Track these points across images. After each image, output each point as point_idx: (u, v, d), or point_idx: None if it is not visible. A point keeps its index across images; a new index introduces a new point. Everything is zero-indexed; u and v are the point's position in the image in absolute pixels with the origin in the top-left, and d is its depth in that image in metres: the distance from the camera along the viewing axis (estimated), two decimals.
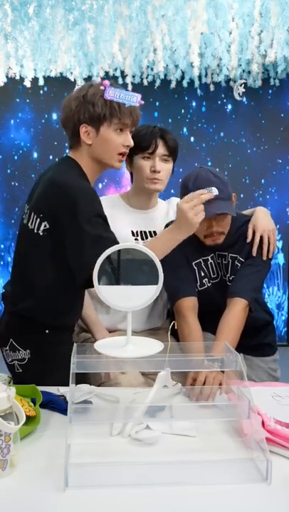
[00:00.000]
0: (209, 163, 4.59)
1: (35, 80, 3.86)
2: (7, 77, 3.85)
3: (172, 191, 1.94)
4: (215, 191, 1.57)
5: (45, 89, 4.34)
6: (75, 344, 1.28)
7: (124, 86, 3.46)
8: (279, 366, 2.03)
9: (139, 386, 1.63)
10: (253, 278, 1.78)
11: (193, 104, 4.67)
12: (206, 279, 1.84)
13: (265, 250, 1.78)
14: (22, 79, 3.85)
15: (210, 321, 1.73)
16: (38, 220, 1.54)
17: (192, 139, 4.66)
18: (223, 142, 4.70)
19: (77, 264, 1.45)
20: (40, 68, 3.87)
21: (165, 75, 4.23)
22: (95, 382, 1.65)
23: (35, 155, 4.58)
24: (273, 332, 2.05)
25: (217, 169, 1.74)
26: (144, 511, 0.93)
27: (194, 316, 1.75)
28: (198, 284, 1.83)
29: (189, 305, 1.76)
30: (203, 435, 1.21)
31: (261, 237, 1.78)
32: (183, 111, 4.67)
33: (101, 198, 1.59)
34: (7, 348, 1.61)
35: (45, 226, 1.53)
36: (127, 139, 1.59)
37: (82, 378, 1.48)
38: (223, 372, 1.44)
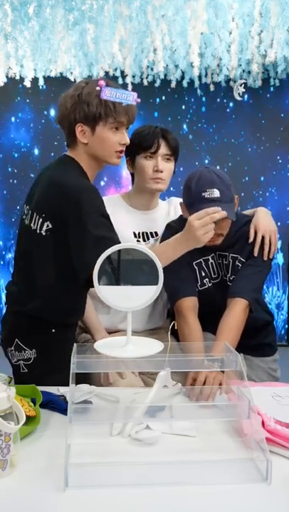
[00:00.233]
0: (208, 162, 4.59)
1: (35, 79, 3.86)
2: (7, 77, 3.85)
3: (172, 189, 1.94)
4: (216, 193, 1.57)
5: (45, 88, 4.34)
6: (75, 344, 1.28)
7: (124, 86, 3.48)
8: (279, 366, 2.03)
9: None
10: (254, 278, 1.78)
11: (193, 104, 4.67)
12: (207, 279, 1.84)
13: (266, 251, 1.78)
14: (22, 79, 3.85)
15: (210, 321, 1.73)
16: (41, 220, 1.54)
17: (192, 138, 4.65)
18: (223, 142, 4.70)
19: (79, 264, 1.46)
20: (40, 68, 3.87)
21: (165, 75, 4.23)
22: (95, 383, 1.65)
23: (35, 155, 4.58)
24: (273, 332, 2.05)
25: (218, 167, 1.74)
26: (144, 511, 0.93)
27: (194, 316, 1.75)
28: (199, 284, 1.83)
29: (189, 305, 1.76)
30: (203, 435, 1.21)
31: (262, 238, 1.78)
32: (183, 111, 4.67)
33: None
34: (12, 348, 1.61)
35: (47, 226, 1.53)
36: (123, 138, 1.59)
37: (83, 378, 1.48)
38: (223, 372, 1.44)
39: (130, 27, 3.05)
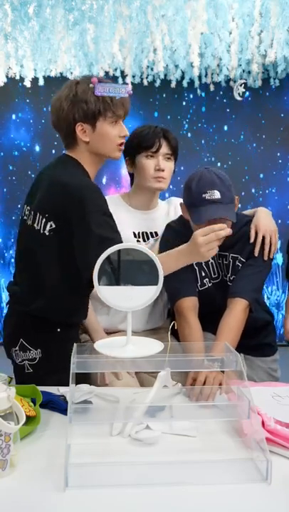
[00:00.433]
0: (208, 162, 4.59)
1: (35, 79, 3.86)
2: (7, 77, 3.85)
3: (171, 187, 1.96)
4: (217, 195, 1.57)
5: (45, 88, 4.34)
6: (75, 344, 1.28)
7: None
8: (279, 366, 2.03)
9: None
10: (254, 278, 1.78)
11: (193, 104, 4.67)
12: (207, 279, 1.84)
13: (266, 251, 1.78)
14: (22, 79, 3.86)
15: (210, 321, 1.73)
16: (44, 220, 1.54)
17: (192, 138, 4.65)
18: (223, 142, 4.70)
19: (82, 263, 1.46)
20: (40, 68, 3.87)
21: (165, 75, 4.23)
22: (95, 383, 1.65)
23: (35, 155, 4.58)
24: (273, 332, 2.05)
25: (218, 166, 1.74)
26: (144, 511, 0.93)
27: (195, 316, 1.75)
28: (199, 284, 1.83)
29: (190, 305, 1.76)
30: (203, 435, 1.21)
31: (263, 238, 1.78)
32: (183, 111, 4.67)
33: None
34: (17, 348, 1.60)
35: (51, 226, 1.53)
36: (122, 130, 1.61)
37: (84, 378, 1.48)
38: (223, 372, 1.44)
39: (130, 27, 3.05)
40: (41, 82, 3.96)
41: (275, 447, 1.12)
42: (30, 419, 1.18)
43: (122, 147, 1.64)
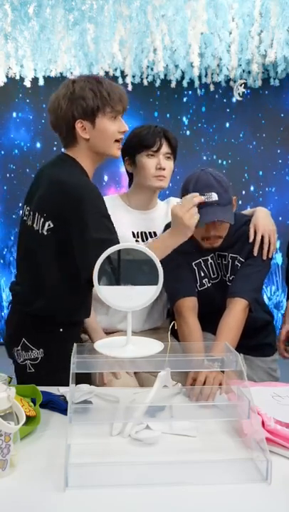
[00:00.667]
0: (208, 162, 4.59)
1: (35, 79, 3.86)
2: (7, 77, 3.85)
3: (170, 184, 1.96)
4: (214, 197, 1.59)
5: (45, 88, 4.34)
6: (75, 344, 1.28)
7: (125, 86, 3.47)
8: (279, 366, 2.03)
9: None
10: (253, 278, 1.78)
11: (193, 104, 4.67)
12: (206, 280, 1.84)
13: (265, 250, 1.78)
14: (22, 79, 3.86)
15: (210, 321, 1.73)
16: (42, 219, 1.54)
17: (192, 138, 4.66)
18: (223, 142, 4.70)
19: (81, 263, 1.46)
20: (40, 68, 3.87)
21: (165, 75, 4.23)
22: (95, 383, 1.65)
23: (35, 155, 4.58)
24: (273, 332, 2.05)
25: (213, 168, 1.74)
26: (144, 511, 0.93)
27: (194, 316, 1.75)
28: (198, 284, 1.83)
29: (189, 305, 1.76)
30: (203, 435, 1.21)
31: (262, 237, 1.78)
32: (183, 111, 4.67)
33: None
34: (19, 348, 1.60)
35: (49, 225, 1.53)
36: (122, 125, 1.61)
37: (84, 378, 1.48)
38: (223, 372, 1.44)
39: (130, 27, 3.05)
40: (41, 82, 3.96)
41: (275, 447, 1.12)
42: (30, 419, 1.19)
43: (120, 145, 1.63)
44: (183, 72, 4.12)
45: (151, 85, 4.25)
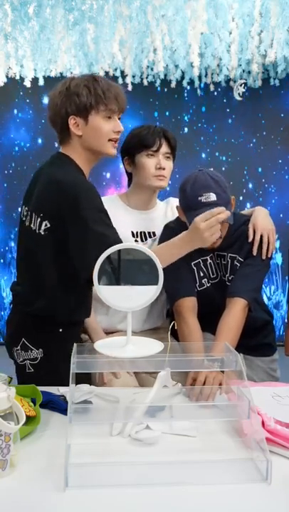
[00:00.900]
0: (208, 162, 4.59)
1: (35, 79, 3.87)
2: (7, 77, 3.86)
3: (170, 182, 1.97)
4: (212, 197, 1.58)
5: (45, 88, 4.35)
6: (75, 344, 1.28)
7: (124, 86, 3.47)
8: (279, 366, 2.03)
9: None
10: (253, 278, 1.78)
11: (193, 104, 4.67)
12: (206, 280, 1.84)
13: (264, 249, 1.78)
14: (22, 79, 3.86)
15: (209, 321, 1.73)
16: (39, 219, 1.54)
17: (192, 138, 4.66)
18: (223, 142, 4.70)
19: (79, 263, 1.46)
20: (40, 68, 3.87)
21: (165, 75, 4.23)
22: (94, 383, 1.65)
23: (35, 155, 4.58)
24: (273, 332, 2.05)
25: (212, 168, 1.74)
26: (144, 511, 0.93)
27: (194, 317, 1.75)
28: (198, 284, 1.83)
29: (189, 305, 1.76)
30: (203, 435, 1.21)
31: (261, 237, 1.78)
32: (183, 111, 4.67)
33: None
34: (18, 347, 1.61)
35: (46, 225, 1.53)
36: (117, 125, 1.59)
37: (84, 378, 1.48)
38: (223, 372, 1.44)
39: (130, 27, 3.06)
40: (41, 82, 3.96)
41: (275, 447, 1.12)
42: (30, 419, 1.18)
43: (116, 144, 1.62)
44: (183, 72, 4.13)
45: (151, 85, 4.26)
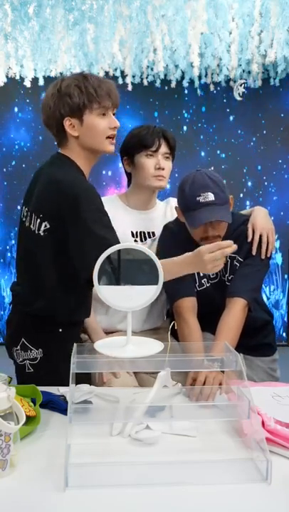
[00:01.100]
0: (208, 162, 4.59)
1: (35, 79, 3.86)
2: (7, 77, 3.85)
3: (169, 181, 1.98)
4: (210, 197, 1.57)
5: (45, 88, 4.35)
6: (75, 344, 1.28)
7: (124, 86, 3.48)
8: (279, 366, 2.03)
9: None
10: (252, 277, 1.78)
11: (193, 104, 4.67)
12: (205, 280, 1.84)
13: (263, 249, 1.78)
14: (22, 79, 3.85)
15: (209, 321, 1.73)
16: (39, 220, 1.54)
17: (192, 139, 4.66)
18: (223, 142, 4.70)
19: (79, 264, 1.46)
20: (40, 68, 3.87)
21: (165, 75, 4.23)
22: (95, 383, 1.65)
23: (35, 155, 4.58)
24: (273, 332, 2.05)
25: (212, 168, 1.74)
26: (144, 511, 0.93)
27: (194, 317, 1.75)
28: (197, 284, 1.83)
29: (189, 305, 1.76)
30: (203, 435, 1.21)
31: (260, 237, 1.78)
32: (183, 111, 4.67)
33: None
34: (18, 347, 1.61)
35: (45, 226, 1.53)
36: (112, 121, 1.58)
37: (84, 378, 1.48)
38: (223, 372, 1.44)
39: (130, 27, 3.05)
40: (41, 82, 3.96)
41: (275, 447, 1.12)
42: (30, 419, 1.18)
43: (114, 141, 1.61)
44: (183, 72, 4.12)
45: (151, 85, 4.25)
